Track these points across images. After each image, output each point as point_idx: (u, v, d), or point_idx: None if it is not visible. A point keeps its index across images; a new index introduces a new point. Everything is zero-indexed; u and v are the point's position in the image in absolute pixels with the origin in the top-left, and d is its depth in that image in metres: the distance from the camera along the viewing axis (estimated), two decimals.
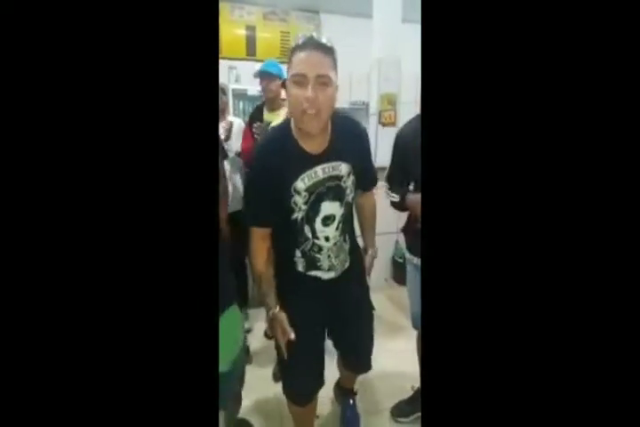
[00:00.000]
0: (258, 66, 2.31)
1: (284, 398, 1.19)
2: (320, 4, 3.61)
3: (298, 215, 0.98)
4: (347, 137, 1.00)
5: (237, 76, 3.46)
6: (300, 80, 0.83)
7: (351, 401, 1.50)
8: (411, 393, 1.55)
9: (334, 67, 0.87)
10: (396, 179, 1.29)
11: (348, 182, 1.01)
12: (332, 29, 3.71)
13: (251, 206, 1.02)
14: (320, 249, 1.04)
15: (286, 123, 0.98)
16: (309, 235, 1.01)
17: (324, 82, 0.84)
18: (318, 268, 1.07)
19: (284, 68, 2.00)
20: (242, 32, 3.53)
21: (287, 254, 1.05)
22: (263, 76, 1.91)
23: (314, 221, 1.00)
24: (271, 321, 1.00)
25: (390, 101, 2.64)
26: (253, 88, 3.06)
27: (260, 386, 1.21)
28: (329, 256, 1.06)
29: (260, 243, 1.02)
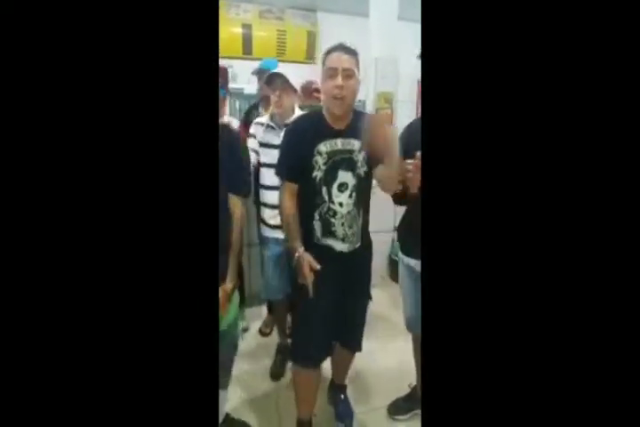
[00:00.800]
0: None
1: (280, 395, 1.20)
2: (317, 3, 3.60)
3: (317, 174, 1.20)
4: (362, 123, 1.20)
5: (234, 75, 3.44)
6: (332, 73, 1.12)
7: (342, 396, 1.56)
8: (408, 391, 1.56)
9: (357, 64, 1.17)
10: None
11: (359, 157, 1.23)
12: (328, 28, 3.70)
13: (284, 164, 1.26)
14: (335, 214, 1.23)
15: (319, 109, 1.25)
16: (326, 197, 1.22)
17: (348, 74, 1.13)
18: (333, 233, 1.24)
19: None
20: (238, 30, 3.52)
21: (308, 219, 1.24)
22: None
23: (331, 185, 1.21)
24: (297, 262, 1.17)
25: (387, 100, 2.64)
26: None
27: (256, 384, 1.22)
28: (342, 224, 1.24)
29: (288, 196, 1.24)
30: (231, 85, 3.26)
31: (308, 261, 1.15)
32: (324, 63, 1.17)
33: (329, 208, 1.22)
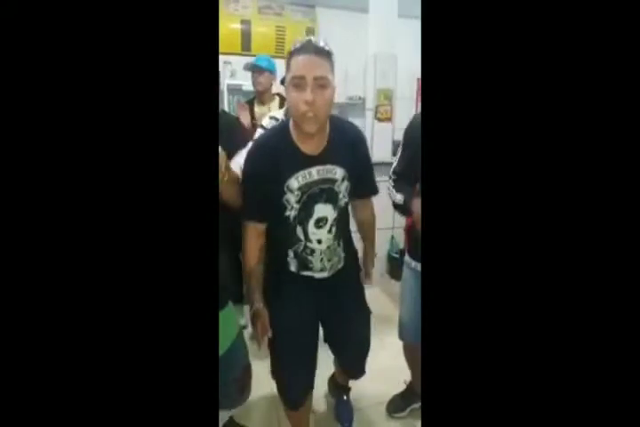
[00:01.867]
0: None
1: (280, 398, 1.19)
2: None
3: (290, 213, 1.00)
4: (344, 141, 1.02)
5: (232, 71, 3.43)
6: (299, 82, 0.86)
7: (345, 397, 1.53)
8: (404, 387, 1.57)
9: (332, 69, 0.90)
10: (403, 175, 1.16)
11: (342, 187, 1.03)
12: (327, 24, 3.68)
13: (246, 201, 1.03)
14: (312, 252, 1.06)
15: (285, 123, 1.01)
16: (302, 236, 1.04)
17: (322, 84, 0.86)
18: (310, 268, 1.09)
19: (276, 63, 1.99)
20: (237, 26, 3.49)
21: (280, 254, 1.07)
22: (254, 69, 1.91)
23: (307, 222, 1.02)
24: (253, 316, 1.05)
25: (386, 96, 2.63)
26: (248, 83, 3.03)
27: (255, 385, 1.22)
28: (321, 259, 1.08)
29: (253, 239, 1.05)
30: (229, 82, 3.25)
31: (262, 323, 1.04)
32: (288, 67, 0.89)
33: (305, 246, 1.05)
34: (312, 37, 0.92)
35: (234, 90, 3.27)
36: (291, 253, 1.07)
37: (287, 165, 0.96)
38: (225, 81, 3.21)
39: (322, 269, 1.10)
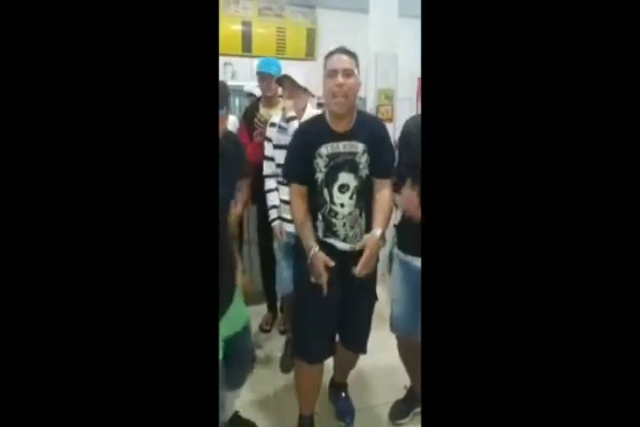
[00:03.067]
0: (254, 62, 2.29)
1: (284, 394, 1.20)
2: (316, 0, 3.58)
3: (319, 176, 1.24)
4: (367, 125, 1.28)
5: (233, 72, 3.44)
6: (332, 73, 1.16)
7: (343, 394, 1.57)
8: (404, 393, 1.56)
9: (357, 66, 1.22)
10: (399, 172, 1.29)
11: (362, 159, 1.25)
12: (328, 25, 3.68)
13: (290, 166, 1.31)
14: (336, 214, 1.26)
15: (322, 113, 1.30)
16: (327, 198, 1.25)
17: (348, 74, 1.17)
18: (335, 233, 1.27)
19: (281, 64, 2.00)
20: (237, 28, 3.50)
21: (312, 219, 1.27)
22: (262, 76, 1.92)
23: (332, 186, 1.25)
24: (311, 261, 1.19)
25: (387, 96, 2.63)
26: (250, 84, 3.03)
27: (259, 380, 1.23)
28: (344, 224, 1.27)
29: (298, 197, 1.28)
30: (230, 83, 3.26)
31: (323, 260, 1.18)
32: (325, 66, 1.21)
33: (330, 209, 1.26)
34: (342, 45, 1.24)
35: (235, 91, 3.28)
36: (319, 216, 1.27)
37: (320, 137, 1.24)
38: (226, 82, 3.22)
39: (345, 238, 1.27)
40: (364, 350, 1.40)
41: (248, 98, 2.32)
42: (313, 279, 1.19)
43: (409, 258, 1.28)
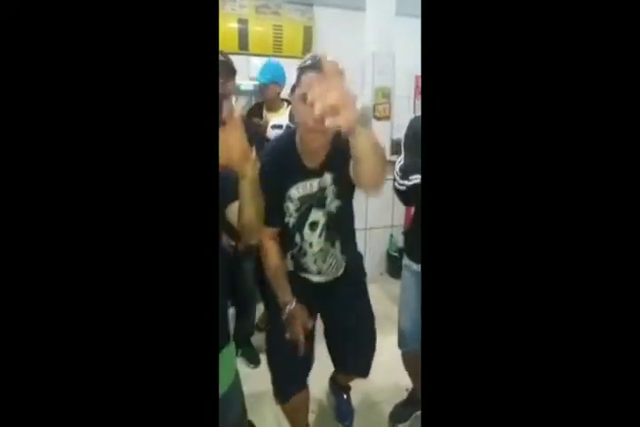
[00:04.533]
0: (251, 60, 2.28)
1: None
2: None
3: (289, 220, 1.09)
4: (340, 153, 0.99)
5: None
6: (310, 100, 0.77)
7: (345, 396, 1.54)
8: (405, 396, 1.56)
9: (346, 86, 0.85)
10: (410, 168, 1.14)
11: (329, 191, 1.07)
12: (325, 23, 3.68)
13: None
14: (305, 253, 1.14)
15: (291, 133, 1.06)
16: (298, 240, 1.12)
17: (336, 111, 0.76)
18: (306, 270, 1.16)
19: (283, 66, 1.98)
20: (234, 26, 3.49)
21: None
22: (262, 85, 1.92)
23: (302, 227, 1.10)
24: (289, 317, 1.05)
25: (385, 95, 2.63)
26: (246, 83, 3.03)
27: (254, 384, 1.22)
28: (315, 261, 1.15)
29: (270, 242, 1.11)
30: None
31: (302, 320, 1.04)
32: (297, 84, 0.92)
33: (300, 248, 1.14)
34: (319, 55, 0.91)
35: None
36: (288, 255, 1.15)
37: (290, 176, 1.02)
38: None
39: (319, 272, 1.16)
40: (365, 375, 1.33)
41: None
42: (288, 336, 1.05)
43: (418, 268, 1.21)
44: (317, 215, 1.10)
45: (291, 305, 1.05)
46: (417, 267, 1.22)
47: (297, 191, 1.04)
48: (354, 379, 1.47)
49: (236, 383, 1.00)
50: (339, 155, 1.01)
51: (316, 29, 3.71)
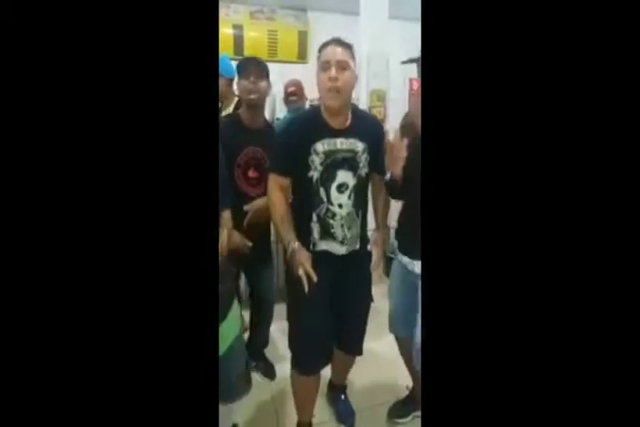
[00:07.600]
0: None
1: (279, 397, 1.17)
2: (307, 2, 3.59)
3: (314, 174, 1.15)
4: (365, 123, 1.22)
5: None
6: (325, 66, 1.07)
7: (342, 396, 1.54)
8: (406, 393, 1.55)
9: (352, 57, 1.12)
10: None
11: (362, 158, 1.18)
12: (319, 27, 3.69)
13: (277, 158, 1.23)
14: (334, 215, 1.18)
15: (317, 105, 1.20)
16: (324, 198, 1.17)
17: (342, 66, 1.07)
18: (332, 235, 1.19)
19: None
20: (229, 31, 3.50)
21: (305, 221, 1.18)
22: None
23: (329, 186, 1.16)
24: (291, 256, 1.11)
25: (379, 98, 2.64)
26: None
27: (254, 386, 1.22)
28: (342, 226, 1.19)
29: (277, 191, 1.18)
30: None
31: (301, 260, 1.09)
32: (318, 59, 1.12)
33: (327, 209, 1.18)
34: (336, 36, 1.13)
35: None
36: (314, 217, 1.18)
37: (316, 132, 1.14)
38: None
39: (342, 241, 1.20)
40: (359, 352, 1.37)
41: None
42: (295, 273, 1.09)
43: (407, 260, 1.26)
44: (347, 177, 1.17)
45: (294, 243, 1.11)
46: (401, 257, 1.28)
47: (322, 146, 1.13)
48: (348, 371, 1.49)
49: (240, 338, 1.13)
50: (363, 122, 1.20)
51: (310, 34, 3.72)
